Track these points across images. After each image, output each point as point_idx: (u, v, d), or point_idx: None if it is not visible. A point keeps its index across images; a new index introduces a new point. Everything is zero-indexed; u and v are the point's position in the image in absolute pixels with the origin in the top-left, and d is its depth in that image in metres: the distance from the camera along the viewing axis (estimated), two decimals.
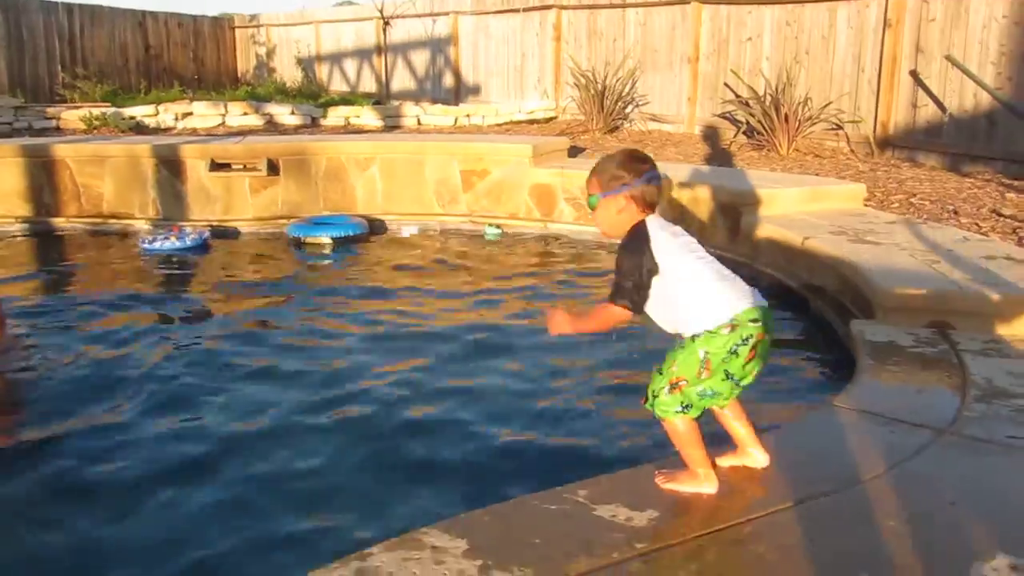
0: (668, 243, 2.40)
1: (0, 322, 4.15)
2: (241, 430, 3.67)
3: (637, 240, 2.41)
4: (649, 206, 2.47)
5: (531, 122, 12.89)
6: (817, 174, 8.10)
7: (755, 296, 2.41)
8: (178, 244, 7.02)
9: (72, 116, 12.00)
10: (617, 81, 11.68)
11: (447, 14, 15.70)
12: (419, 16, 16.08)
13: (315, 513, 3.01)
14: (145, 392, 4.04)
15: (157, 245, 7.01)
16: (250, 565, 2.74)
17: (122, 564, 2.74)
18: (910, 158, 9.02)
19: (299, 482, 3.22)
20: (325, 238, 7.13)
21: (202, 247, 7.12)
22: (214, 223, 7.69)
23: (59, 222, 7.97)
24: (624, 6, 12.63)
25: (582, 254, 6.99)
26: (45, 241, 7.69)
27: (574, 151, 9.32)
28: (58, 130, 11.80)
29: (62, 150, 8.05)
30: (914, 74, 9.05)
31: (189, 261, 6.88)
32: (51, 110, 12.39)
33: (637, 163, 2.50)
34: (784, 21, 10.54)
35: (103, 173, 7.93)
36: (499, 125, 12.63)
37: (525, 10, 14.29)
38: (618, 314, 2.40)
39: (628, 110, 11.89)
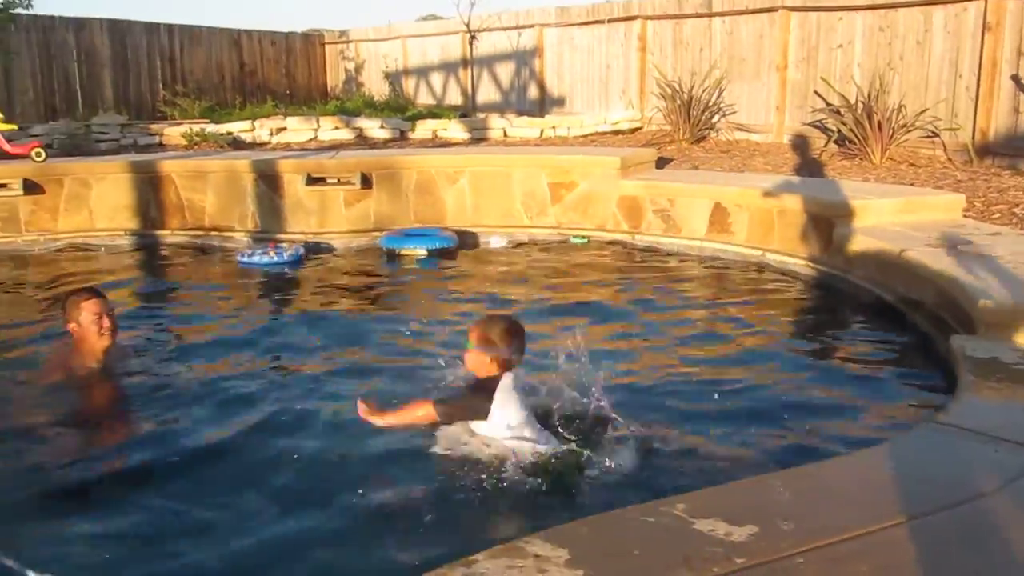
0: (510, 398, 3.18)
1: (113, 328, 4.34)
2: (351, 442, 3.72)
3: (486, 390, 3.22)
4: (507, 366, 3.26)
5: (616, 133, 12.89)
6: (912, 184, 7.92)
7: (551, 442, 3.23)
8: (275, 259, 7.24)
9: (174, 132, 12.51)
10: (704, 91, 11.60)
11: (532, 26, 15.83)
12: (504, 29, 16.24)
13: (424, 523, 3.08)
14: (249, 404, 4.17)
15: (256, 259, 7.25)
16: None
17: None
18: (1012, 166, 8.72)
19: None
20: (421, 250, 7.29)
21: (298, 262, 7.34)
22: (310, 235, 7.94)
23: (164, 235, 8.34)
24: (710, 15, 12.54)
25: (668, 265, 6.99)
26: (151, 253, 8.05)
27: (661, 162, 9.32)
28: (161, 146, 12.33)
29: (167, 166, 8.43)
30: (1015, 79, 8.76)
31: (295, 274, 7.10)
32: (154, 127, 12.95)
33: (512, 337, 3.28)
34: (876, 27, 10.31)
35: (205, 187, 8.27)
36: (584, 136, 12.68)
37: (610, 21, 14.31)
38: (432, 414, 3.27)
39: (714, 120, 11.80)
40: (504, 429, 3.19)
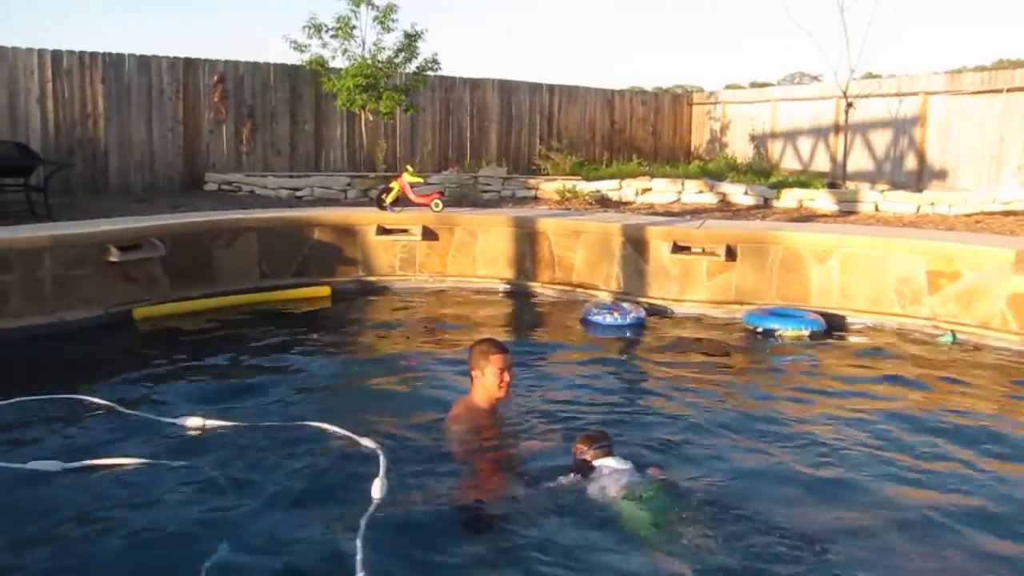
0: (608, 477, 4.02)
1: (510, 382, 4.63)
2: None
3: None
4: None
5: (1007, 214, 11.72)
6: None
7: None
8: (617, 320, 7.49)
9: (548, 187, 13.47)
10: None
11: (916, 94, 14.99)
12: (884, 96, 15.53)
13: None
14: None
15: (600, 319, 7.53)
16: None
17: None
18: None
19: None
20: (804, 331, 7.12)
21: (639, 325, 7.50)
22: (670, 301, 8.13)
23: (535, 286, 8.99)
24: None
25: None
26: (522, 302, 8.69)
27: None
28: (536, 199, 13.31)
29: (544, 223, 9.11)
30: None
31: (648, 337, 7.32)
32: (531, 181, 14.04)
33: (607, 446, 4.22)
34: None
35: (576, 246, 8.81)
36: (968, 216, 11.68)
37: (1009, 90, 13.15)
38: None
39: None
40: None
